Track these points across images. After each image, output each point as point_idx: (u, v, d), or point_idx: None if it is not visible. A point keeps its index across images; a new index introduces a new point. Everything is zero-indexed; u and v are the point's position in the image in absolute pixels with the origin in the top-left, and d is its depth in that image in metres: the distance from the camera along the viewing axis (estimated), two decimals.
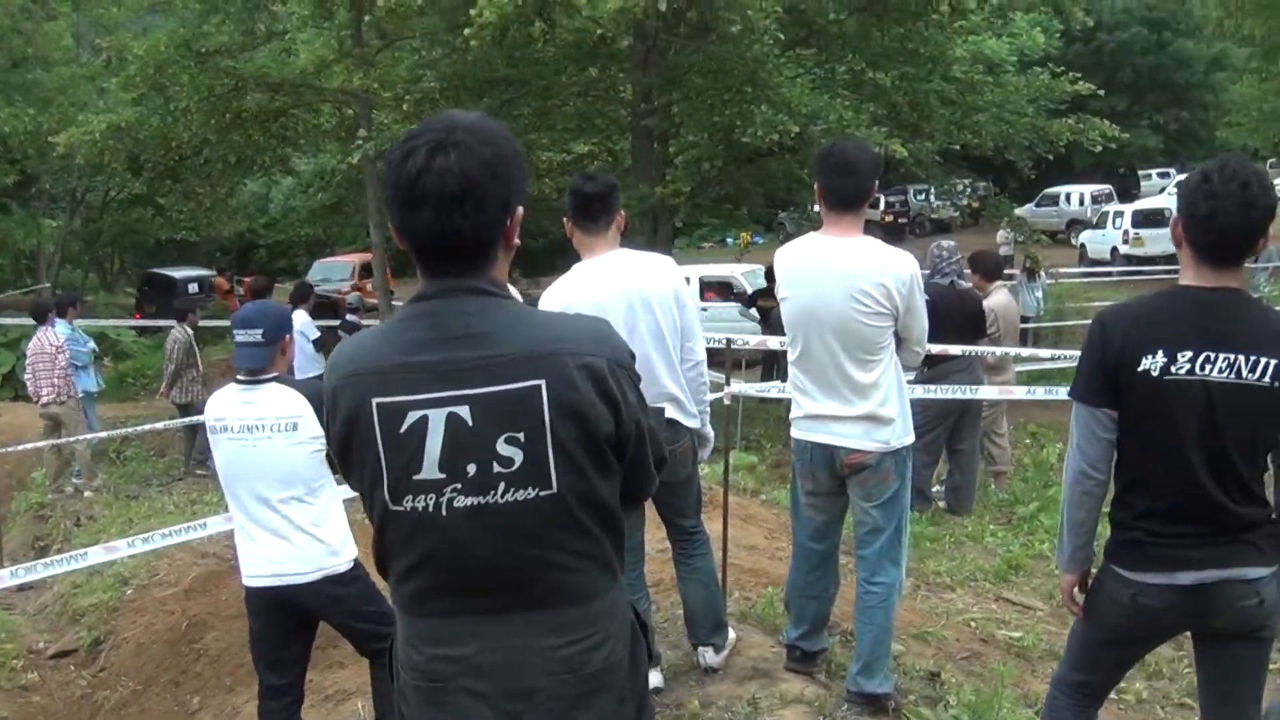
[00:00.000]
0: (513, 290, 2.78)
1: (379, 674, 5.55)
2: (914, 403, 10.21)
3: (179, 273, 36.18)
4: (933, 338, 9.93)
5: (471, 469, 2.57)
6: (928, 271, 10.57)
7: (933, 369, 10.40)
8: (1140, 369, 3.79)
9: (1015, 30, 46.25)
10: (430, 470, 2.58)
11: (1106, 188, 49.01)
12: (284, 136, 23.15)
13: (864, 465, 5.24)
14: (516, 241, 2.69)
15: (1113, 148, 23.06)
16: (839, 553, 5.75)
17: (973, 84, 21.94)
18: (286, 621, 5.52)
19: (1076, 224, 45.74)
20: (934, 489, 10.92)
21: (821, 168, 5.21)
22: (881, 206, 49.19)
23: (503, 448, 2.56)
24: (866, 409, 5.16)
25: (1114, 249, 36.96)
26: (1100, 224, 40.28)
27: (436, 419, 2.56)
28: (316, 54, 21.11)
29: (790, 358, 5.44)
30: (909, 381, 10.31)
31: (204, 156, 23.32)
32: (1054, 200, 49.11)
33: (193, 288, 34.22)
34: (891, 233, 47.06)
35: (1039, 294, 23.21)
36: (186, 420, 15.34)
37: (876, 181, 5.26)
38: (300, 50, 22.45)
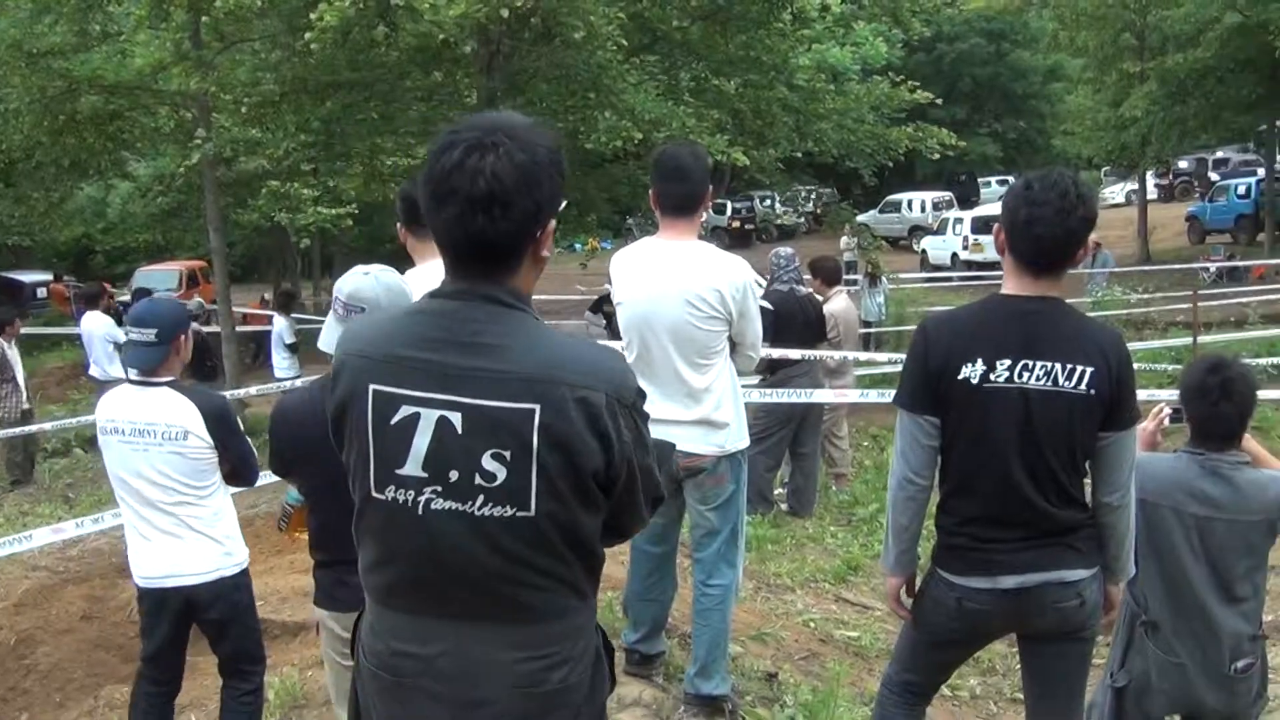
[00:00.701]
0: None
1: (238, 705, 5.48)
2: (758, 407, 10.46)
3: None
4: (774, 343, 10.18)
5: (454, 475, 2.56)
6: (768, 278, 10.72)
7: (775, 374, 10.53)
8: (960, 377, 3.87)
9: (858, 39, 47.02)
10: (414, 467, 2.58)
11: (947, 195, 49.99)
12: (120, 140, 22.56)
13: (700, 469, 5.28)
14: (547, 254, 2.66)
15: (951, 155, 23.55)
16: (677, 556, 5.78)
17: (814, 92, 22.25)
18: (176, 621, 5.41)
19: (918, 230, 46.62)
20: (776, 492, 11.03)
21: (655, 173, 5.24)
22: (728, 213, 49.71)
23: (488, 462, 2.54)
24: (702, 413, 5.19)
25: (954, 255, 37.80)
26: (941, 230, 41.16)
27: (428, 418, 2.56)
28: (153, 56, 20.61)
29: (628, 361, 5.46)
30: (753, 386, 10.52)
31: (35, 160, 22.66)
32: (896, 207, 50.06)
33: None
34: (738, 239, 47.55)
35: (880, 299, 23.59)
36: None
37: (710, 187, 5.29)
38: (137, 52, 21.91)
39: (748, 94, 21.32)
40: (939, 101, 24.15)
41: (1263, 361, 17.04)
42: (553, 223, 2.62)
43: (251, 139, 19.60)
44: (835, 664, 6.60)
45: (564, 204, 2.67)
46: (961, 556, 4.04)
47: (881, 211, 49.58)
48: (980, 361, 3.86)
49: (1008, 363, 3.86)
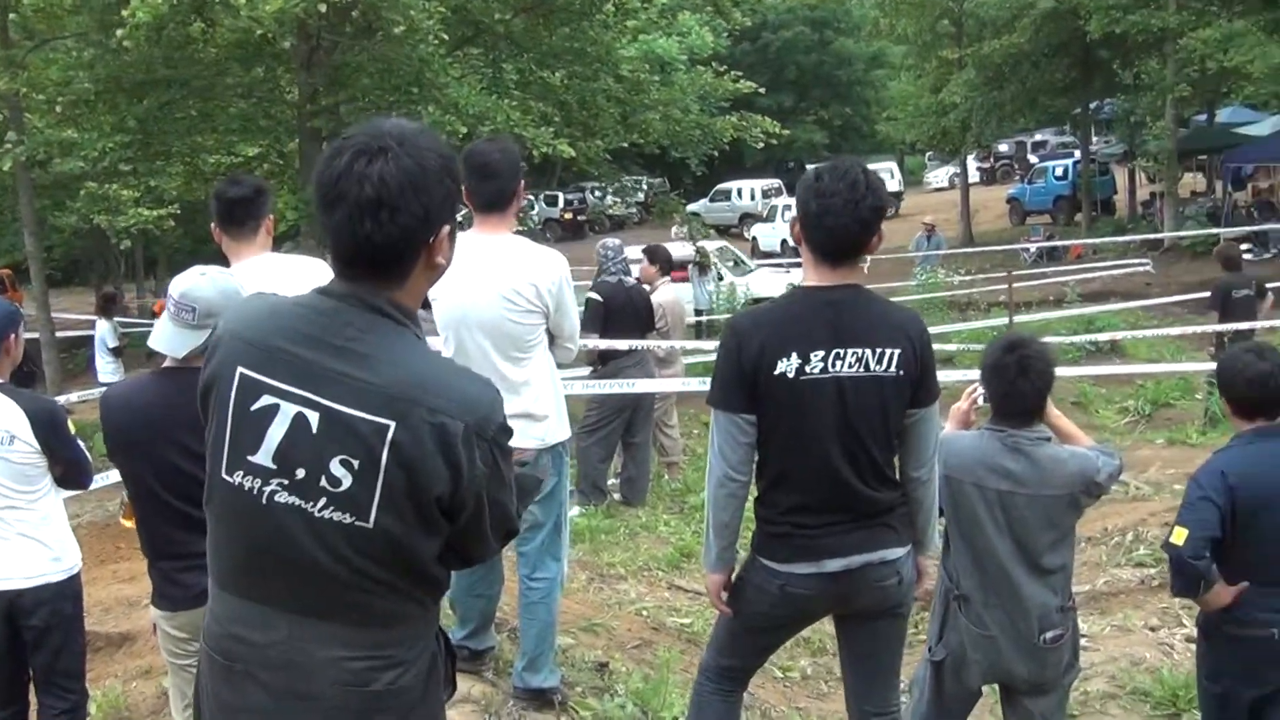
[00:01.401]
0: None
1: None
2: (590, 399, 10.49)
3: None
4: (604, 333, 10.21)
5: (301, 472, 2.55)
6: (596, 269, 10.76)
7: (606, 365, 10.57)
8: (777, 372, 3.93)
9: (684, 29, 47.32)
10: (264, 457, 2.57)
11: (776, 182, 50.71)
12: None
13: (522, 462, 5.27)
14: (442, 262, 2.65)
15: (778, 143, 23.82)
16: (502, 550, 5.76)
17: (640, 83, 22.36)
18: (4, 632, 5.20)
19: (748, 218, 47.19)
20: (609, 482, 11.08)
21: (464, 171, 5.22)
22: (560, 205, 49.81)
23: (335, 466, 2.53)
24: (521, 406, 5.18)
25: (783, 242, 38.22)
26: (770, 218, 41.69)
27: (286, 412, 2.56)
28: None
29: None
30: (584, 378, 10.53)
31: None
32: (727, 195, 50.61)
33: None
34: (570, 230, 47.70)
35: (710, 287, 23.79)
36: None
37: (521, 182, 5.29)
38: None
39: (573, 86, 21.40)
40: (761, 91, 24.40)
41: (1080, 339, 17.55)
42: (446, 229, 2.62)
43: (67, 140, 19.02)
44: (666, 651, 6.65)
45: (463, 211, 2.67)
46: (785, 544, 4.10)
47: (712, 200, 50.11)
48: (795, 355, 3.93)
49: (821, 354, 3.93)
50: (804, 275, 4.11)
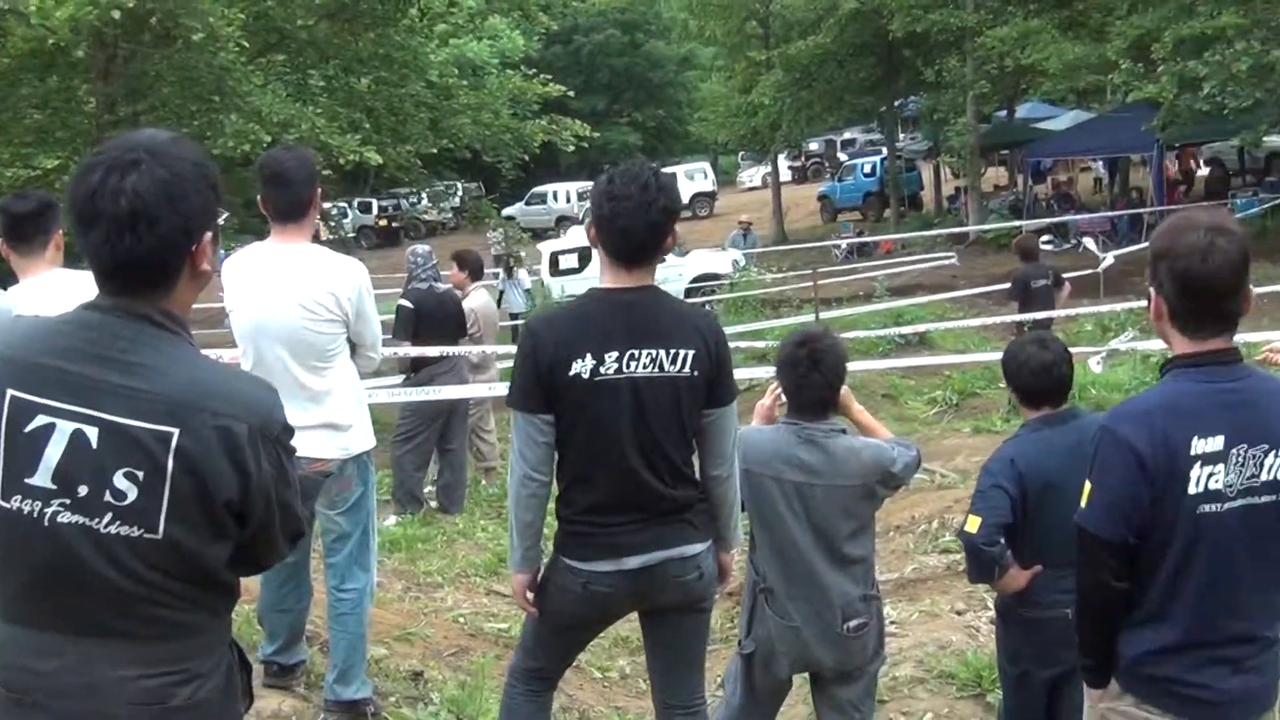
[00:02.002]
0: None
1: None
2: (403, 407, 10.40)
3: None
4: (416, 340, 10.14)
5: (83, 490, 2.48)
6: (406, 276, 10.68)
7: (419, 372, 10.50)
8: (572, 373, 3.96)
9: (495, 33, 47.25)
10: (43, 478, 2.49)
11: (591, 185, 50.73)
12: None
13: (327, 473, 5.23)
14: (208, 268, 2.60)
15: (589, 146, 23.92)
16: (310, 562, 5.71)
17: (448, 88, 22.28)
18: None
19: (565, 220, 47.25)
20: (426, 490, 11.00)
21: (259, 179, 5.17)
22: (374, 211, 49.42)
23: (119, 480, 2.47)
24: (323, 416, 5.13)
25: None
26: (585, 220, 41.72)
27: (63, 430, 2.49)
28: None
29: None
30: (397, 386, 10.45)
31: None
32: (542, 198, 50.73)
33: None
34: (385, 237, 47.33)
35: (522, 290, 23.81)
36: None
37: (318, 190, 5.24)
38: None
39: (381, 92, 21.27)
40: (572, 94, 24.52)
41: (889, 332, 17.94)
42: (208, 235, 2.58)
43: None
44: (483, 657, 6.65)
45: (224, 215, 2.64)
46: (586, 542, 4.13)
47: (528, 204, 50.20)
48: (589, 356, 3.96)
49: (615, 354, 3.97)
50: (601, 277, 4.15)
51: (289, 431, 2.68)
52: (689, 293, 23.94)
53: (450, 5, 21.23)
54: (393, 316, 10.15)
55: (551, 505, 4.25)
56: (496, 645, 7.21)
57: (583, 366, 3.96)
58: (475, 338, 11.26)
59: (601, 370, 3.96)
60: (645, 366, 3.99)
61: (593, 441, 4.05)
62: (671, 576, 4.16)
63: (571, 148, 23.05)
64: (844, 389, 4.73)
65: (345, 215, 44.35)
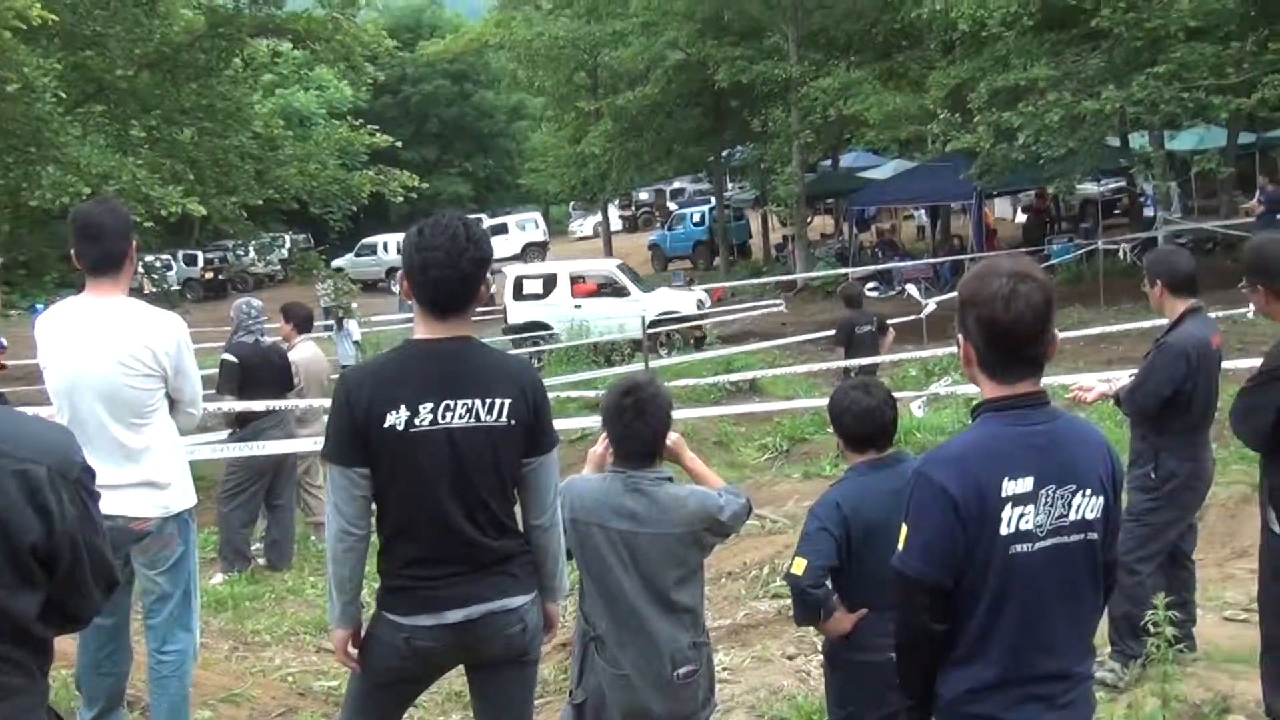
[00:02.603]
0: None
1: None
2: (230, 462, 10.21)
3: None
4: (242, 394, 9.97)
5: None
6: (232, 329, 10.52)
7: (245, 426, 10.33)
8: (386, 425, 3.94)
9: (324, 83, 46.90)
10: None
11: None
12: None
13: (145, 532, 5.11)
14: None
15: (419, 197, 23.80)
16: (130, 624, 5.56)
17: (274, 138, 22.03)
18: None
19: (395, 271, 46.76)
20: (253, 547, 10.80)
21: (71, 234, 5.06)
22: (200, 264, 48.57)
23: None
24: (142, 474, 5.03)
25: None
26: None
27: None
28: None
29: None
30: (222, 441, 10.26)
31: None
32: (372, 250, 50.24)
33: None
34: (211, 289, 46.46)
35: (350, 342, 23.58)
36: None
37: (132, 243, 5.14)
38: None
39: (204, 143, 20.91)
40: (399, 145, 24.41)
41: (720, 379, 18.10)
42: None
43: None
44: (310, 717, 6.54)
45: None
46: (407, 597, 4.09)
47: (358, 255, 49.71)
48: (404, 408, 3.94)
49: (430, 405, 3.96)
50: (415, 329, 4.14)
51: (90, 473, 2.63)
52: (655, 324, 24.52)
53: (275, 56, 21.09)
54: (217, 371, 9.99)
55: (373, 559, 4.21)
56: (326, 704, 7.08)
57: (397, 418, 3.93)
58: (300, 391, 11.10)
59: (417, 422, 3.94)
60: (461, 417, 3.98)
61: (411, 494, 4.02)
62: (495, 629, 4.13)
63: (400, 198, 22.90)
64: (676, 437, 4.78)
65: (170, 268, 43.52)
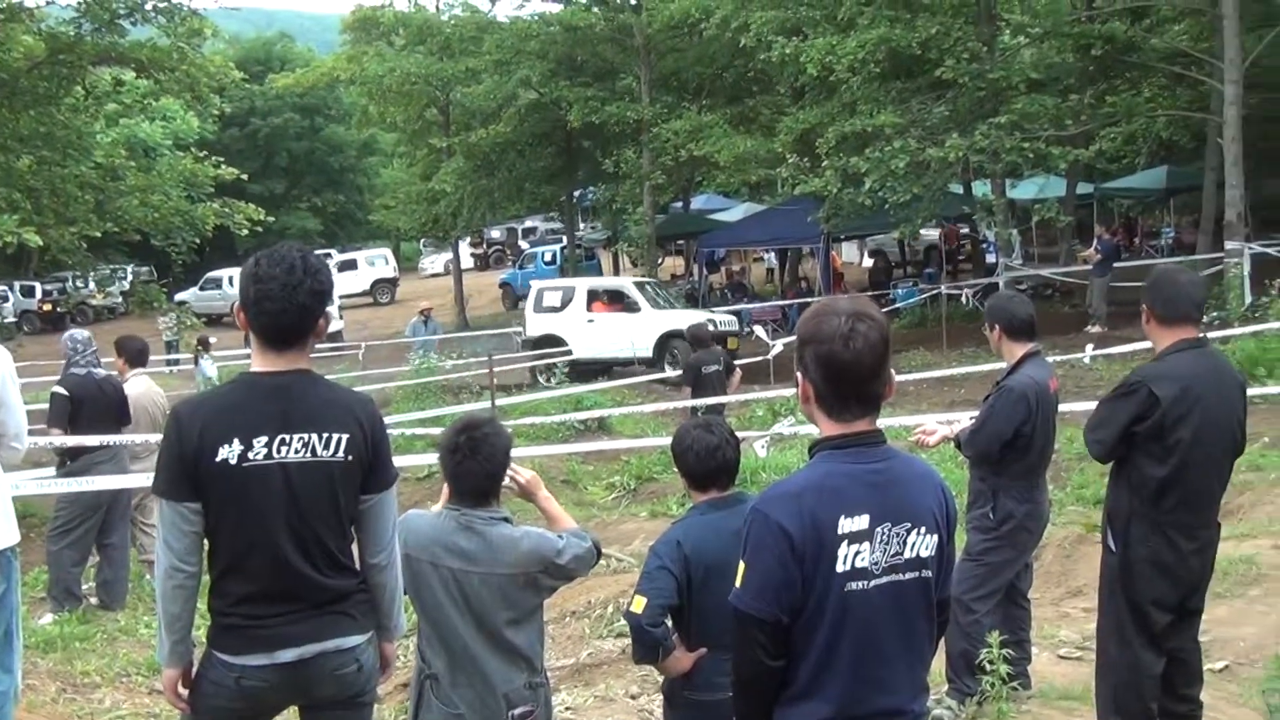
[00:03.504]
0: None
1: None
2: (60, 498, 9.92)
3: None
4: (74, 428, 9.70)
5: None
6: (64, 362, 10.25)
7: (76, 461, 10.04)
8: (219, 459, 3.85)
9: (168, 114, 46.11)
10: None
11: None
12: None
13: None
14: None
15: (265, 231, 23.46)
16: None
17: (115, 169, 21.57)
18: None
19: None
20: (85, 586, 10.49)
21: None
22: (38, 295, 47.54)
23: None
24: None
25: None
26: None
27: None
28: None
29: None
30: (53, 476, 9.96)
31: None
32: (217, 283, 49.50)
33: None
34: (50, 322, 45.37)
35: (204, 377, 23.14)
36: None
37: None
38: None
39: (42, 171, 20.33)
40: (245, 177, 24.08)
41: (569, 417, 18.08)
42: None
43: None
44: None
45: None
46: (238, 635, 4.00)
47: (202, 289, 48.93)
48: (238, 441, 3.86)
49: (265, 439, 3.88)
50: (253, 361, 4.06)
51: None
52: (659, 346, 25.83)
53: (118, 85, 20.63)
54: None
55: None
56: None
57: (230, 452, 3.85)
58: (134, 427, 10.81)
59: (250, 456, 3.87)
60: (297, 451, 3.91)
61: (243, 530, 3.93)
62: (329, 670, 4.06)
63: (246, 231, 22.53)
64: (532, 475, 4.76)
65: (5, 299, 42.36)
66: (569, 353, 25.67)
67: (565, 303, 28.05)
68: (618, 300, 27.99)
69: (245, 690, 4.02)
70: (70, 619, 9.64)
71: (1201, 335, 5.61)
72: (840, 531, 3.13)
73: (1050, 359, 7.23)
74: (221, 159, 23.17)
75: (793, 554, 3.12)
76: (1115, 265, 25.12)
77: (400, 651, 8.05)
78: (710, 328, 24.91)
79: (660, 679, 5.16)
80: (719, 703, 4.33)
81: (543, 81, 35.51)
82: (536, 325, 28.12)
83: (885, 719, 3.26)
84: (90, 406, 9.97)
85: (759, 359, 21.27)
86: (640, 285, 29.09)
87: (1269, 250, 24.41)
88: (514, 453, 4.61)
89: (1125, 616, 5.56)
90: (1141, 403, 5.35)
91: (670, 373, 23.42)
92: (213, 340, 24.47)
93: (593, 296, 28.22)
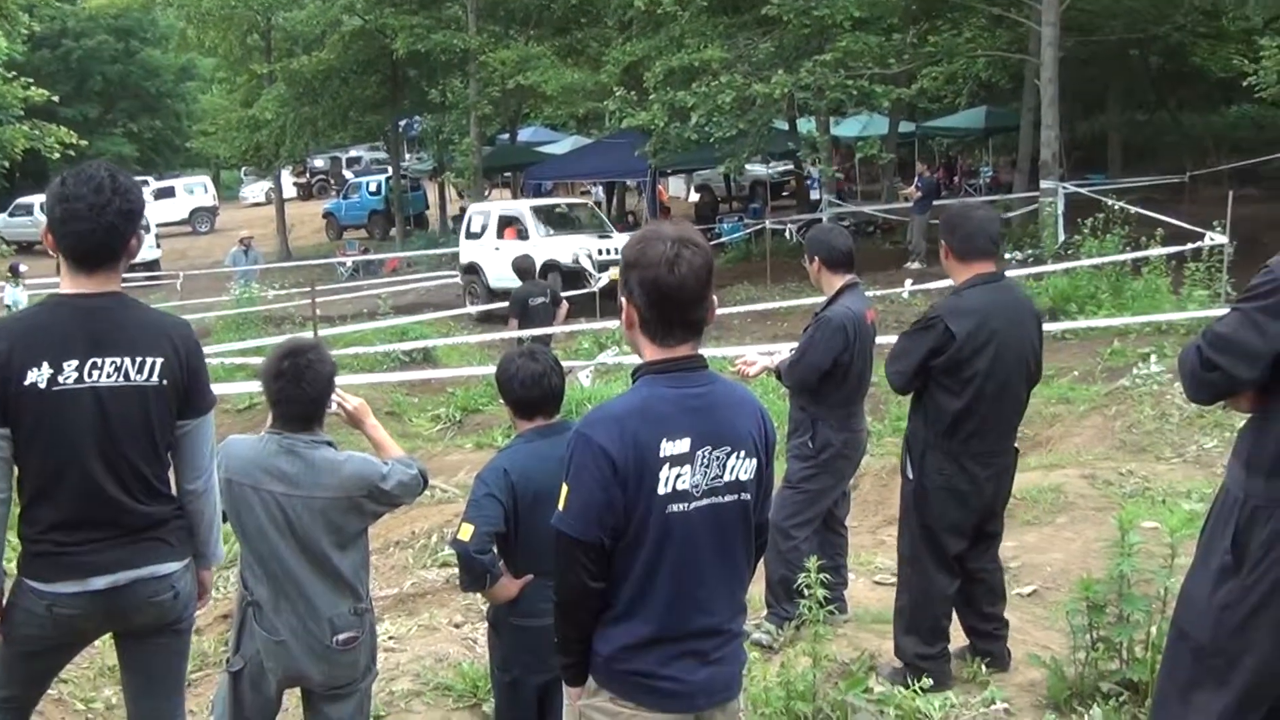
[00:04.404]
0: None
1: None
2: None
3: None
4: None
5: None
6: None
7: None
8: (27, 383, 3.76)
9: None
10: None
11: None
12: None
13: None
14: None
15: (78, 155, 22.72)
16: None
17: None
18: None
19: None
20: None
21: None
22: None
23: None
24: None
25: None
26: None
27: None
28: None
29: None
30: None
31: None
32: (28, 210, 47.71)
33: None
34: None
35: (19, 302, 22.32)
36: None
37: None
38: None
39: None
40: (57, 100, 23.29)
41: (393, 347, 17.94)
42: None
43: None
44: None
45: None
46: (49, 563, 3.92)
47: (12, 215, 47.19)
48: (47, 365, 3.77)
49: (75, 363, 3.80)
50: (61, 283, 3.95)
51: None
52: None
53: None
54: None
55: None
56: None
57: (39, 376, 3.76)
58: None
59: (60, 380, 3.78)
60: (109, 375, 3.83)
61: (53, 455, 3.85)
62: (144, 597, 4.01)
63: (58, 155, 21.82)
64: (360, 403, 4.73)
65: None
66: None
67: (483, 229, 27.10)
68: (514, 225, 26.94)
69: (58, 618, 3.95)
70: None
71: (998, 270, 5.78)
72: (662, 454, 3.17)
73: (871, 294, 7.37)
74: (31, 80, 22.34)
75: (615, 476, 3.15)
76: (935, 203, 25.65)
77: (220, 583, 8.00)
78: (598, 256, 24.89)
79: (485, 606, 5.18)
80: (543, 628, 4.32)
81: (367, 8, 34.93)
82: (466, 252, 27.20)
83: (704, 638, 3.32)
84: None
85: (584, 291, 21.32)
86: (539, 210, 27.98)
87: (1082, 190, 25.10)
88: (338, 382, 4.56)
89: (919, 540, 5.77)
90: (938, 337, 5.50)
91: (470, 308, 23.19)
92: (23, 268, 23.57)
93: (504, 223, 26.96)
